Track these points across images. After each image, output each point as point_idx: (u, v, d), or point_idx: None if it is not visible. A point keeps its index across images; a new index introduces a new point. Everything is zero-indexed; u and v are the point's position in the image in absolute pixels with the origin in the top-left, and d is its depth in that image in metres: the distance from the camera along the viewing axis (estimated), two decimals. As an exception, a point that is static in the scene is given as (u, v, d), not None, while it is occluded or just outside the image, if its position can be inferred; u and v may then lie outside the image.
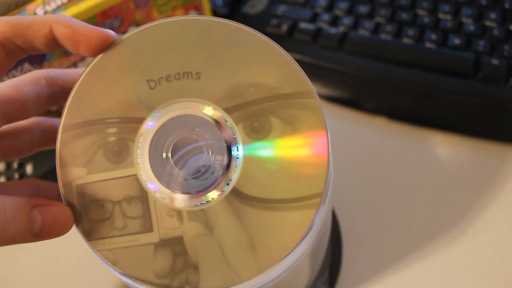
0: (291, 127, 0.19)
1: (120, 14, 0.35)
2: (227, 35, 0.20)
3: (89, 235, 0.19)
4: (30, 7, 0.34)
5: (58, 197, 0.23)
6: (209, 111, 0.20)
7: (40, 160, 0.35)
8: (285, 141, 0.19)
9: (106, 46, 0.20)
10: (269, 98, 0.20)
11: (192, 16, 0.21)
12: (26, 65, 0.32)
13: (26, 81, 0.21)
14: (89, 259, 0.28)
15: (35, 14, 0.33)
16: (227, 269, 0.19)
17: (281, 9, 0.42)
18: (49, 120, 0.24)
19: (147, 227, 0.19)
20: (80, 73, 0.22)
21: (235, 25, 0.20)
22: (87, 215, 0.19)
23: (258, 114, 0.19)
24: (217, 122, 0.20)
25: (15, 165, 0.35)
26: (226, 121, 0.19)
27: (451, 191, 0.34)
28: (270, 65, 0.20)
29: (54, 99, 0.22)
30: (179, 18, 0.20)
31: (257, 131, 0.19)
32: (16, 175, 0.35)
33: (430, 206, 0.33)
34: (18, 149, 0.23)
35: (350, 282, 0.30)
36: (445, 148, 0.36)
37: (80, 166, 0.19)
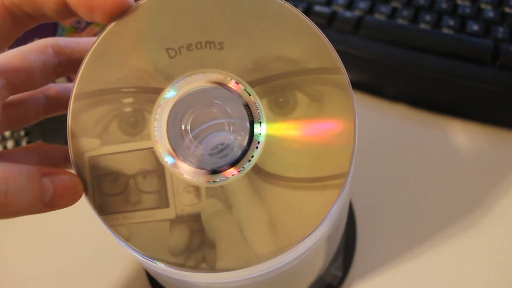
0: (318, 103, 0.19)
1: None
2: (253, 4, 0.19)
3: (101, 209, 0.18)
4: None
5: (65, 162, 0.22)
6: (232, 83, 0.19)
7: (50, 139, 0.34)
8: (311, 118, 0.19)
9: (122, 11, 0.19)
10: (296, 73, 0.19)
11: None
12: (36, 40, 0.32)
13: (32, 49, 0.20)
14: (99, 238, 0.27)
15: None
16: (245, 248, 0.18)
17: (295, -9, 0.42)
18: (53, 86, 0.23)
19: (163, 203, 0.18)
20: (90, 42, 0.21)
21: None
22: (100, 189, 0.18)
23: (283, 89, 0.19)
24: (240, 95, 0.19)
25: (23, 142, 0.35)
26: (250, 95, 0.19)
27: (467, 178, 0.33)
28: (298, 38, 0.19)
29: (61, 69, 0.21)
30: None
31: (282, 106, 0.19)
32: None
33: (445, 194, 0.32)
34: (24, 118, 0.22)
35: (363, 268, 0.29)
36: (461, 136, 0.35)
37: (93, 137, 0.19)
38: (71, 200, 0.18)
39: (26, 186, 0.17)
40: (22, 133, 0.35)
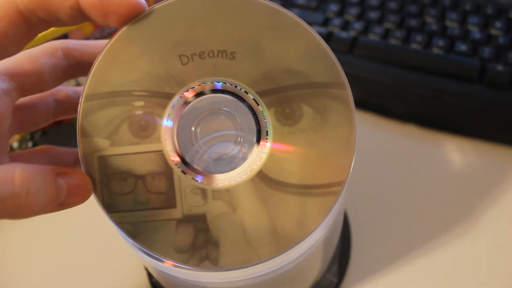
0: (322, 116, 0.19)
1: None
2: (266, 17, 0.19)
3: (109, 207, 0.19)
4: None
5: (74, 165, 0.22)
6: (242, 93, 0.19)
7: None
8: (314, 130, 0.19)
9: (136, 15, 0.19)
10: (303, 86, 0.19)
11: None
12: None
13: (42, 52, 0.20)
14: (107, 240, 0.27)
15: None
16: (247, 247, 0.19)
17: (294, 12, 0.43)
18: (63, 90, 0.23)
19: (171, 203, 0.19)
20: (99, 45, 0.22)
21: (276, 7, 0.19)
22: (108, 188, 0.19)
23: (290, 100, 0.19)
24: (249, 104, 0.19)
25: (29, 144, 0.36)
26: (258, 105, 0.19)
27: (457, 190, 0.34)
28: (307, 52, 0.19)
29: (70, 72, 0.21)
30: None
31: (288, 117, 0.19)
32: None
33: (436, 204, 0.34)
34: (34, 121, 0.22)
35: (358, 275, 0.31)
36: (451, 149, 0.37)
37: (103, 138, 0.19)
38: (82, 198, 0.18)
39: (44, 187, 0.17)
40: (30, 144, 0.36)
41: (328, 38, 0.41)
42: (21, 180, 0.16)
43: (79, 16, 0.18)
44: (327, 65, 0.19)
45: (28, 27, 0.18)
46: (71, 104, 0.23)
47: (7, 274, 0.32)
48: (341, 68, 0.20)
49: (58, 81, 0.21)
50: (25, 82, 0.20)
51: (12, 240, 0.34)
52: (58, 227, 0.34)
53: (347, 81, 0.20)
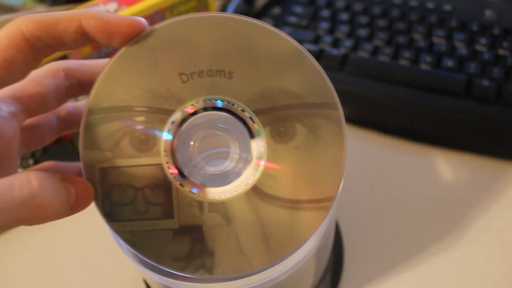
0: (314, 135, 0.20)
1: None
2: (263, 39, 0.20)
3: (110, 217, 0.20)
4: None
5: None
6: (239, 111, 0.20)
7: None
8: (307, 148, 0.20)
9: (138, 34, 0.19)
10: (297, 106, 0.20)
11: (230, 14, 0.20)
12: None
13: (45, 74, 0.21)
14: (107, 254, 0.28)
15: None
16: (240, 257, 0.20)
17: (285, 31, 0.45)
18: (64, 107, 0.24)
19: (168, 214, 0.20)
20: (99, 64, 0.22)
21: (272, 29, 0.20)
22: (109, 198, 0.20)
23: (284, 119, 0.20)
24: (245, 123, 0.20)
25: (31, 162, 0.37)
26: (254, 123, 0.20)
27: (446, 202, 0.35)
28: (301, 73, 0.20)
29: (72, 91, 0.22)
30: (215, 14, 0.20)
31: (282, 135, 0.20)
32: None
33: (426, 216, 0.35)
34: (40, 140, 0.23)
35: (351, 285, 0.31)
36: (440, 162, 0.38)
37: (104, 150, 0.20)
38: (86, 203, 0.19)
39: (58, 189, 0.18)
40: (31, 161, 0.37)
41: (319, 55, 0.42)
42: (38, 182, 0.17)
43: (84, 39, 0.19)
44: (320, 86, 0.20)
45: (34, 53, 0.19)
46: (72, 119, 0.24)
47: (5, 282, 0.33)
48: (334, 89, 0.20)
49: (61, 101, 0.22)
50: (31, 104, 0.20)
51: (11, 253, 0.34)
52: (56, 244, 0.35)
53: (339, 101, 0.21)
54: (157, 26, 0.20)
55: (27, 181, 0.17)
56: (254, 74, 0.20)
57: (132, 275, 0.33)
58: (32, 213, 0.17)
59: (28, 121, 0.22)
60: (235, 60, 0.20)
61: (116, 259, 0.27)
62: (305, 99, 0.20)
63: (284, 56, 0.20)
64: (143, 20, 0.19)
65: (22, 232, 0.22)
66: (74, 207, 0.18)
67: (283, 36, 0.20)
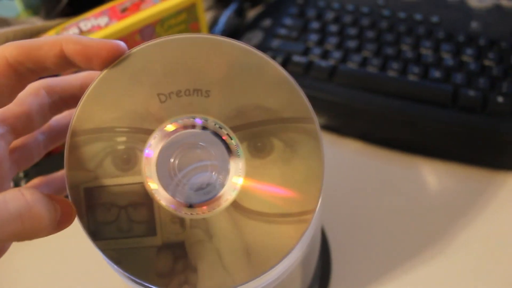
0: (291, 149, 0.21)
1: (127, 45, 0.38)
2: (237, 56, 0.21)
3: (95, 235, 0.20)
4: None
5: (64, 188, 0.23)
6: (217, 128, 0.21)
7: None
8: (285, 162, 0.21)
9: (117, 57, 0.20)
10: (273, 121, 0.21)
11: (205, 35, 0.21)
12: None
13: (27, 94, 0.21)
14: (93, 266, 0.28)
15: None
16: (223, 272, 0.20)
17: (275, 43, 0.46)
18: (46, 124, 0.24)
19: (151, 231, 0.20)
20: (78, 77, 0.23)
21: (246, 47, 0.21)
22: (94, 217, 0.20)
23: (261, 135, 0.21)
24: (223, 139, 0.21)
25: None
26: (231, 139, 0.21)
27: (432, 211, 0.36)
28: (276, 89, 0.21)
29: (55, 107, 0.23)
30: (191, 35, 0.21)
31: (260, 150, 0.21)
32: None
33: (413, 225, 0.35)
34: (29, 158, 0.23)
35: (338, 295, 0.32)
36: (427, 172, 0.39)
37: (88, 171, 0.20)
38: (70, 220, 0.19)
39: (48, 204, 0.18)
40: (21, 174, 0.38)
41: (308, 67, 0.43)
42: (30, 195, 0.17)
43: (65, 63, 0.20)
44: (296, 100, 0.21)
45: (18, 78, 0.19)
46: (56, 133, 0.24)
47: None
48: (309, 103, 0.21)
49: (45, 118, 0.23)
50: (16, 124, 0.21)
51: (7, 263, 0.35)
52: (50, 258, 0.35)
53: (315, 115, 0.21)
54: (136, 48, 0.21)
55: (20, 195, 0.17)
56: (230, 91, 0.21)
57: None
58: (27, 226, 0.17)
59: (15, 142, 0.23)
60: (211, 79, 0.20)
61: (106, 271, 0.28)
62: (280, 114, 0.21)
63: (259, 73, 0.21)
64: (121, 43, 0.20)
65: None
66: (60, 224, 0.19)
67: (257, 54, 0.21)
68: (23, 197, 0.17)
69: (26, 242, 0.18)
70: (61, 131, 0.24)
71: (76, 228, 0.20)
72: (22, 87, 0.20)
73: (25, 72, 0.19)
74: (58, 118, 0.25)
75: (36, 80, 0.20)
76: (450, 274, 0.32)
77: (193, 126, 0.21)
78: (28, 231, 0.17)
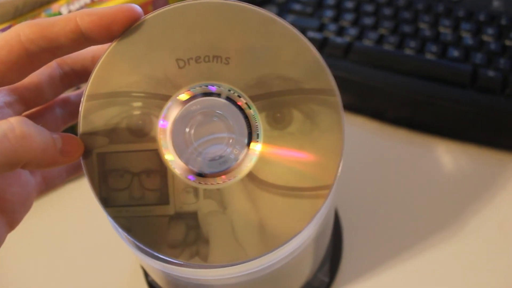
0: (311, 121, 0.20)
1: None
2: (260, 25, 0.20)
3: (106, 202, 0.20)
4: (54, 6, 0.36)
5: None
6: (235, 97, 0.20)
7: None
8: (304, 134, 0.20)
9: (134, 21, 0.20)
10: (293, 91, 0.20)
11: (227, 1, 0.20)
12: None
13: None
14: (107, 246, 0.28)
15: (59, 13, 0.36)
16: (235, 245, 0.20)
17: (290, 18, 0.44)
18: (65, 97, 0.24)
19: (164, 200, 0.20)
20: (91, 49, 0.22)
21: (270, 15, 0.20)
22: (106, 183, 0.20)
23: (281, 105, 0.20)
24: (241, 108, 0.20)
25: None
26: (250, 108, 0.20)
27: (447, 192, 0.35)
28: (298, 59, 0.20)
29: (67, 79, 0.22)
30: (213, 0, 0.20)
31: (278, 121, 0.20)
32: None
33: (427, 206, 0.35)
34: None
35: (349, 274, 0.31)
36: (442, 153, 0.38)
37: (102, 135, 0.20)
38: (76, 149, 0.19)
39: (38, 129, 0.18)
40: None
41: (323, 43, 0.42)
42: (16, 119, 0.17)
43: (82, 39, 0.19)
44: (318, 72, 0.20)
45: (31, 59, 0.19)
46: (75, 108, 0.24)
47: (3, 275, 0.33)
48: (332, 75, 0.20)
49: (57, 90, 0.22)
50: (26, 94, 0.20)
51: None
52: (55, 228, 0.35)
53: (337, 88, 0.20)
54: (154, 13, 0.20)
55: (5, 120, 0.17)
56: (251, 60, 0.20)
57: (130, 260, 0.33)
58: (15, 143, 0.17)
59: (28, 113, 0.22)
60: (232, 46, 0.20)
61: (114, 245, 0.28)
62: (302, 85, 0.20)
63: (281, 42, 0.20)
64: (136, 6, 0.19)
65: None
66: (64, 150, 0.18)
67: (281, 23, 0.20)
68: (7, 121, 0.17)
69: (28, 237, 0.17)
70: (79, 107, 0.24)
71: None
72: (34, 67, 0.20)
73: (38, 51, 0.19)
74: (78, 93, 0.24)
75: (50, 61, 0.20)
76: (464, 257, 0.32)
77: (210, 94, 0.20)
78: (19, 149, 0.17)
